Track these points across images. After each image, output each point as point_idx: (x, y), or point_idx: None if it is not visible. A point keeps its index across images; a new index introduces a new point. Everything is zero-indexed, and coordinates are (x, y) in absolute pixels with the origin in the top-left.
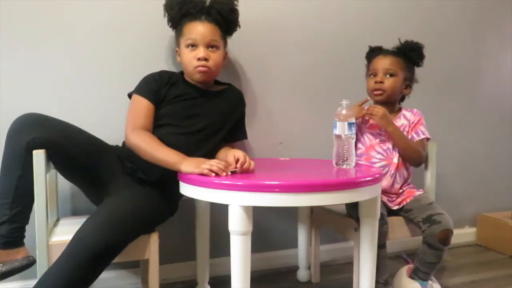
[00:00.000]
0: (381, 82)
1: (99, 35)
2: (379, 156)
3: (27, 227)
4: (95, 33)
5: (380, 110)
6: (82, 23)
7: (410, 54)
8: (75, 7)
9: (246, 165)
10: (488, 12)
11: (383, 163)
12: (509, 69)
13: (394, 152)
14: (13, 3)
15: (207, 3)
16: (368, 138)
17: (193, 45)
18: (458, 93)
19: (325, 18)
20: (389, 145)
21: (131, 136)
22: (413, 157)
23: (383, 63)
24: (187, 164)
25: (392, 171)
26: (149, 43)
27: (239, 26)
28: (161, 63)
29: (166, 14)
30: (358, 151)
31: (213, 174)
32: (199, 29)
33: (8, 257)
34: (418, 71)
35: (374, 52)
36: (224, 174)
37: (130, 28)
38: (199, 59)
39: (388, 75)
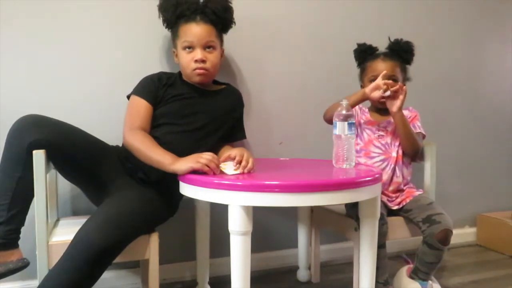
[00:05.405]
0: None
1: (99, 36)
2: (378, 150)
3: (27, 227)
4: (95, 34)
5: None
6: (82, 23)
7: (405, 55)
8: (75, 8)
9: (245, 163)
10: (488, 12)
11: (382, 157)
12: (509, 69)
13: (392, 146)
14: (14, 4)
15: (201, 3)
16: (366, 134)
17: (190, 47)
18: (458, 93)
19: (324, 17)
20: (387, 139)
21: (127, 136)
22: (413, 145)
23: (385, 69)
24: (183, 162)
25: (392, 165)
26: (148, 43)
27: (235, 23)
28: (159, 64)
29: (161, 16)
30: (357, 147)
31: (212, 173)
32: (195, 31)
33: (2, 259)
34: (418, 71)
35: (367, 53)
36: (218, 171)
37: (130, 29)
38: (196, 61)
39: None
